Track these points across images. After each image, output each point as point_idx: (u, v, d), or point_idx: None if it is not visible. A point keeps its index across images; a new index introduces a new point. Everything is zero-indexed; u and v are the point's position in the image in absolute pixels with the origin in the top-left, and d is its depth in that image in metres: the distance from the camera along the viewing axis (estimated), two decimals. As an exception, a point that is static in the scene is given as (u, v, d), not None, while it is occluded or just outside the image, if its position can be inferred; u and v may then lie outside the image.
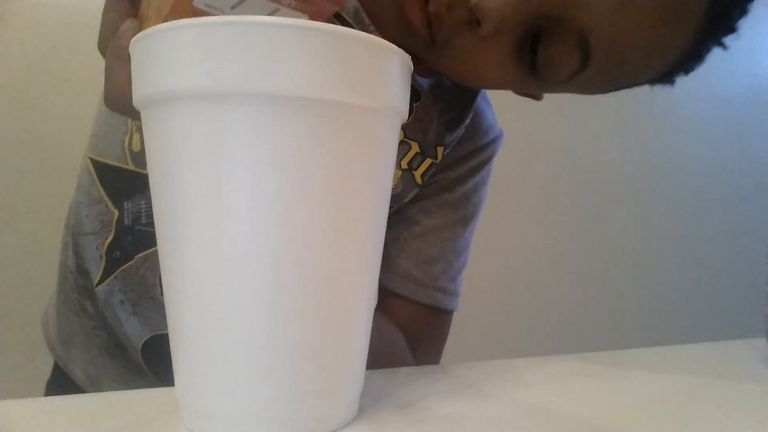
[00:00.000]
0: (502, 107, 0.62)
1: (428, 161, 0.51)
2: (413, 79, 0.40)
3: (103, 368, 0.51)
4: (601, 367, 0.39)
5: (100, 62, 0.33)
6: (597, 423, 0.29)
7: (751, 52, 1.65)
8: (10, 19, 0.95)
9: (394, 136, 0.28)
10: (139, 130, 0.46)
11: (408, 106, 0.28)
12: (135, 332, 0.48)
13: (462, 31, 0.40)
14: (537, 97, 0.49)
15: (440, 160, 0.51)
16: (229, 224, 0.24)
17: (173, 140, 0.24)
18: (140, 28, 0.30)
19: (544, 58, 0.40)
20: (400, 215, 0.53)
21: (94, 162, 0.49)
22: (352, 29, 0.24)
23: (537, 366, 0.39)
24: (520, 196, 1.43)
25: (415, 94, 0.48)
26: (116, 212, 0.47)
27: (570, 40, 0.38)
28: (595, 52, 0.39)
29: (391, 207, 0.28)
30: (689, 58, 0.41)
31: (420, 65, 0.41)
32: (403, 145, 0.49)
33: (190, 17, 0.24)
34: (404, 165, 0.50)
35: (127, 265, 0.47)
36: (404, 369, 0.37)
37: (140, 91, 0.25)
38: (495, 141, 0.56)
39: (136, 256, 0.47)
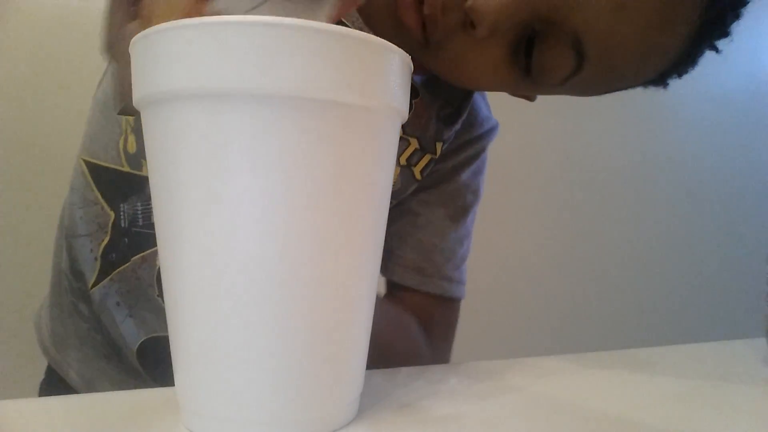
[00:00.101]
0: (502, 107, 0.62)
1: (427, 157, 0.51)
2: None
3: (98, 370, 0.50)
4: (601, 367, 0.39)
5: (94, 63, 0.33)
6: (597, 423, 0.29)
7: (751, 52, 1.65)
8: (9, 19, 0.95)
9: (394, 136, 0.28)
10: (134, 131, 0.46)
11: (408, 106, 0.28)
12: (131, 334, 0.48)
13: (456, 33, 0.40)
14: (530, 98, 0.50)
15: (438, 155, 0.52)
16: (229, 225, 0.24)
17: (173, 140, 0.24)
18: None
19: (538, 61, 0.40)
20: (400, 208, 0.53)
21: (87, 164, 0.48)
22: (352, 29, 0.24)
23: (537, 366, 0.39)
24: (520, 196, 1.43)
25: (413, 90, 0.48)
26: (112, 214, 0.47)
27: (564, 43, 0.38)
28: (590, 55, 0.39)
29: (390, 202, 0.29)
30: (682, 62, 0.41)
31: (412, 63, 0.41)
32: (402, 142, 0.49)
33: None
34: (403, 161, 0.50)
35: (122, 267, 0.47)
36: (404, 369, 0.37)
37: (140, 91, 0.25)
38: (490, 132, 0.57)
39: (132, 258, 0.47)
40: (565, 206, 1.49)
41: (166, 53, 0.23)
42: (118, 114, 0.47)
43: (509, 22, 0.38)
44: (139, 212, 0.46)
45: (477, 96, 0.55)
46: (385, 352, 0.47)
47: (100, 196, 0.47)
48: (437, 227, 0.53)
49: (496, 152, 0.64)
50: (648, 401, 0.33)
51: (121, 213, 0.47)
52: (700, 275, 1.65)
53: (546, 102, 0.51)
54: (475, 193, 0.56)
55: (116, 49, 0.31)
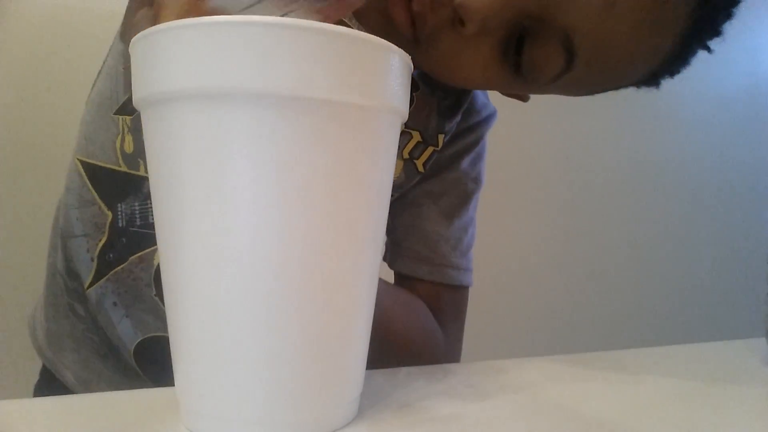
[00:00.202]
0: (502, 107, 0.62)
1: (430, 149, 0.52)
2: None
3: (94, 371, 0.50)
4: (601, 367, 0.39)
5: (90, 63, 0.33)
6: (597, 423, 0.29)
7: (751, 52, 1.65)
8: (8, 19, 0.95)
9: (394, 135, 0.28)
10: (132, 131, 0.46)
11: (408, 105, 0.28)
12: (128, 334, 0.48)
13: (446, 30, 0.40)
14: (523, 98, 0.50)
15: (441, 146, 0.52)
16: (230, 224, 0.24)
17: (173, 140, 0.24)
18: (156, 16, 0.30)
19: (528, 58, 0.40)
20: (404, 200, 0.54)
21: (84, 164, 0.48)
22: (352, 29, 0.24)
23: (537, 366, 0.39)
24: (519, 196, 1.43)
25: (413, 83, 0.49)
26: (110, 214, 0.47)
27: (554, 41, 0.38)
28: (580, 53, 0.39)
29: (393, 194, 0.29)
30: (674, 61, 0.41)
31: None
32: (404, 135, 0.50)
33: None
34: (405, 155, 0.51)
35: (120, 267, 0.47)
36: (404, 369, 0.37)
37: (140, 91, 0.25)
38: (488, 119, 0.57)
39: (129, 258, 0.47)
40: (565, 206, 1.49)
41: (165, 53, 0.23)
42: (114, 114, 0.47)
43: (498, 19, 0.38)
44: (137, 212, 0.46)
45: None
46: (399, 334, 0.47)
47: (97, 197, 0.47)
48: (441, 217, 0.54)
49: (496, 152, 0.64)
50: (648, 401, 0.33)
51: (119, 213, 0.46)
52: (700, 275, 1.65)
53: (546, 102, 0.51)
54: (476, 181, 0.56)
55: (127, 37, 0.31)
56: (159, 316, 0.47)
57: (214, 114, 0.23)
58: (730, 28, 0.41)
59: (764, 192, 1.70)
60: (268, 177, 0.23)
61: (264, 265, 0.24)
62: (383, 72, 0.25)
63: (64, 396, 0.32)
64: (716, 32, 0.40)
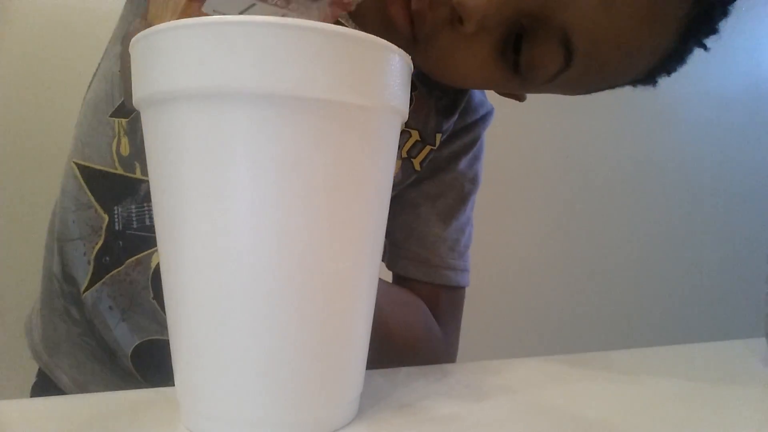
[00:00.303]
0: (502, 107, 0.62)
1: (427, 148, 0.52)
2: None
3: (91, 374, 0.50)
4: (601, 367, 0.39)
5: (89, 63, 0.33)
6: (597, 423, 0.29)
7: (751, 52, 1.65)
8: (8, 19, 0.95)
9: (394, 135, 0.28)
10: (127, 134, 0.46)
11: (408, 105, 0.28)
12: (125, 338, 0.47)
13: (444, 29, 0.40)
14: (520, 98, 0.50)
15: (437, 145, 0.52)
16: (230, 224, 0.24)
17: (173, 140, 0.24)
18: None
19: (527, 57, 0.40)
20: (402, 201, 0.54)
21: (80, 167, 0.48)
22: (352, 29, 0.24)
23: (537, 366, 0.39)
24: (519, 197, 1.43)
25: (411, 84, 0.49)
26: (106, 217, 0.46)
27: (553, 39, 0.38)
28: (578, 51, 0.39)
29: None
30: (671, 59, 0.41)
31: None
32: (404, 134, 0.50)
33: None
34: (404, 154, 0.51)
35: (116, 270, 0.47)
36: (404, 369, 0.37)
37: (140, 92, 0.25)
38: (485, 117, 0.57)
39: (126, 261, 0.46)
40: (565, 206, 1.49)
41: (165, 53, 0.23)
42: (110, 117, 0.46)
43: (497, 18, 0.38)
44: (134, 215, 0.46)
45: None
46: (398, 333, 0.47)
47: (93, 199, 0.47)
48: (439, 219, 0.54)
49: (496, 152, 0.64)
50: (648, 401, 0.33)
51: (115, 216, 0.46)
52: (700, 275, 1.65)
53: (546, 102, 0.51)
54: (473, 181, 0.56)
55: (124, 45, 0.31)
56: (156, 319, 0.46)
57: (214, 114, 0.23)
58: (730, 28, 0.41)
59: (764, 192, 1.70)
60: (268, 177, 0.23)
61: (264, 265, 0.24)
62: (383, 72, 0.25)
63: (63, 396, 0.32)
64: (713, 30, 0.41)
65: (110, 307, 0.47)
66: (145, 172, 0.46)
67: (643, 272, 1.59)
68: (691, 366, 0.40)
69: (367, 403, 0.30)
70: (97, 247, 0.47)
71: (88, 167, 0.47)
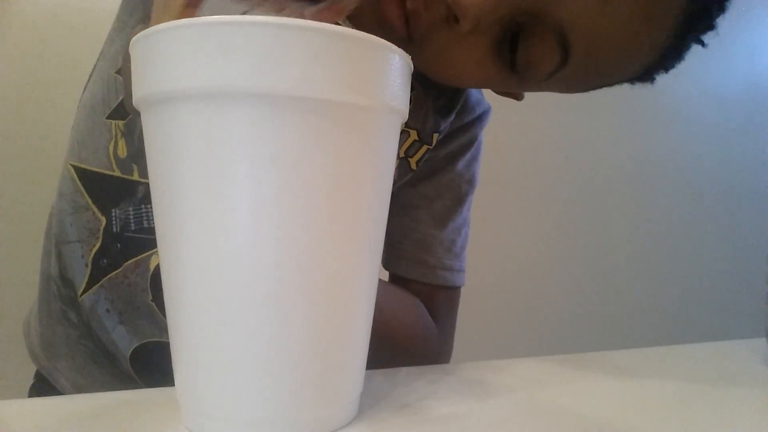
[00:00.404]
0: (501, 106, 0.62)
1: (424, 148, 0.52)
2: None
3: (90, 376, 0.50)
4: (600, 367, 0.39)
5: (89, 63, 0.33)
6: (597, 423, 0.29)
7: (750, 52, 1.65)
8: (8, 19, 0.94)
9: (394, 135, 0.28)
10: (125, 135, 0.46)
11: (408, 105, 0.28)
12: (123, 341, 0.47)
13: (440, 28, 0.40)
14: (518, 97, 0.50)
15: (434, 145, 0.52)
16: (230, 225, 0.24)
17: (173, 140, 0.24)
18: None
19: (523, 55, 0.40)
20: (399, 202, 0.54)
21: (77, 169, 0.47)
22: (352, 29, 0.24)
23: (537, 366, 0.39)
24: (519, 197, 1.43)
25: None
26: (104, 219, 0.46)
27: (549, 37, 0.38)
28: (575, 49, 0.39)
29: None
30: (668, 55, 0.41)
31: None
32: (403, 134, 0.50)
33: None
34: (402, 153, 0.51)
35: (114, 273, 0.46)
36: (404, 369, 0.37)
37: (140, 92, 0.25)
38: (482, 116, 0.57)
39: (124, 264, 0.46)
40: (565, 206, 1.49)
41: (165, 53, 0.23)
42: (107, 119, 0.46)
43: (493, 16, 0.38)
44: (131, 217, 0.46)
45: None
46: (397, 332, 0.48)
47: (91, 202, 0.46)
48: (436, 220, 0.54)
49: (495, 151, 0.64)
50: (648, 401, 0.33)
51: (113, 218, 0.46)
52: (700, 275, 1.65)
53: (545, 101, 0.51)
54: (470, 182, 0.56)
55: (127, 50, 0.31)
56: (154, 321, 0.46)
57: (214, 114, 0.23)
58: (730, 28, 0.41)
59: (764, 192, 1.70)
60: (268, 177, 0.23)
61: (264, 266, 0.24)
62: (383, 72, 0.25)
63: (63, 396, 0.32)
64: (710, 26, 0.40)
65: (108, 310, 0.47)
66: (142, 174, 0.45)
67: (643, 272, 1.59)
68: (691, 366, 0.40)
69: (367, 403, 0.30)
70: (95, 249, 0.47)
71: (84, 169, 0.47)
